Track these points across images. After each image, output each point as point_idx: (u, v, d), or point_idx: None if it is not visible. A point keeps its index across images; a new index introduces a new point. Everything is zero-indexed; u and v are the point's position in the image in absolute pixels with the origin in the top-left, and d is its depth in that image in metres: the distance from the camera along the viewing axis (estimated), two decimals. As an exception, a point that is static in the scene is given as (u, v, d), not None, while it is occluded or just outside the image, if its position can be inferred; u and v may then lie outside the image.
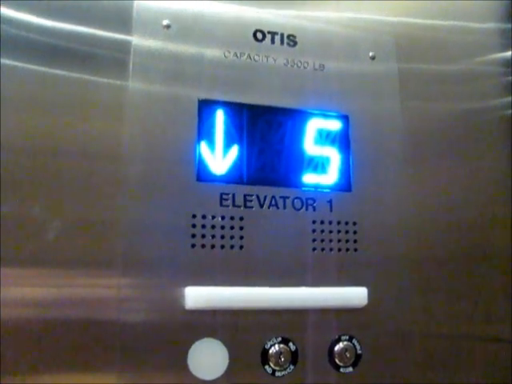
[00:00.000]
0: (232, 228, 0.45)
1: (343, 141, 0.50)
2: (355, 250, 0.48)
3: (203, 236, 0.44)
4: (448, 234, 0.53)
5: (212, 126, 0.46)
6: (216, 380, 0.42)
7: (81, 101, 0.42)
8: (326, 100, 0.50)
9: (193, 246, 0.43)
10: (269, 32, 0.49)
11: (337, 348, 0.46)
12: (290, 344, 0.45)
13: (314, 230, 0.47)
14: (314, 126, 0.49)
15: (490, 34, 0.60)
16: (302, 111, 0.49)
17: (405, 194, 0.51)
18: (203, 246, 0.44)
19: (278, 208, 0.46)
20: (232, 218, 0.45)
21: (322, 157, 0.49)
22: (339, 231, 0.48)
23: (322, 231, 0.47)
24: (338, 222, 0.48)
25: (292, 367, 0.45)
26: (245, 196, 0.46)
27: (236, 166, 0.46)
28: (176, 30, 0.46)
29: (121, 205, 0.42)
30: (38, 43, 0.42)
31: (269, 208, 0.46)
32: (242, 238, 0.45)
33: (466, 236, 0.54)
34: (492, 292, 0.54)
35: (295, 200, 0.47)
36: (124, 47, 0.44)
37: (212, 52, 0.47)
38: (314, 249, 0.47)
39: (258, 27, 0.49)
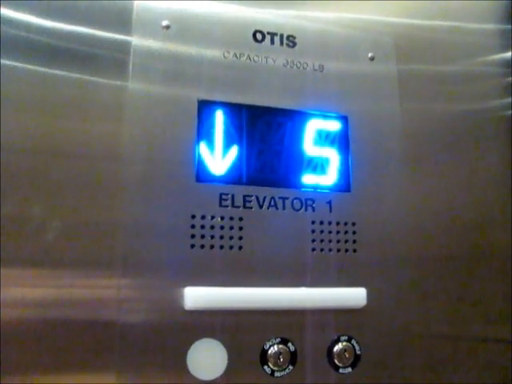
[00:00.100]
0: (231, 228, 0.45)
1: (342, 141, 0.50)
2: (354, 250, 0.48)
3: (202, 236, 0.44)
4: (448, 234, 0.53)
5: (211, 127, 0.46)
6: (215, 380, 0.42)
7: (81, 101, 0.43)
8: (325, 101, 0.50)
9: (192, 246, 0.43)
10: (268, 33, 0.49)
11: (336, 348, 0.46)
12: (289, 344, 0.45)
13: (313, 231, 0.47)
14: (313, 126, 0.49)
15: (489, 34, 0.59)
16: (302, 112, 0.49)
17: (404, 194, 0.51)
18: (202, 246, 0.44)
19: (277, 208, 0.46)
20: (231, 219, 0.45)
21: (321, 157, 0.49)
22: (338, 232, 0.48)
23: (322, 232, 0.47)
24: (338, 223, 0.48)
25: (291, 368, 0.45)
26: (244, 196, 0.46)
27: (235, 166, 0.46)
28: (176, 31, 0.46)
29: (120, 205, 0.42)
30: (38, 43, 0.42)
31: (268, 208, 0.46)
32: (241, 238, 0.45)
33: (465, 236, 0.54)
34: (492, 292, 0.54)
35: (294, 200, 0.47)
36: (124, 48, 0.44)
37: (212, 52, 0.47)
38: (314, 249, 0.47)
39: (258, 28, 0.49)
